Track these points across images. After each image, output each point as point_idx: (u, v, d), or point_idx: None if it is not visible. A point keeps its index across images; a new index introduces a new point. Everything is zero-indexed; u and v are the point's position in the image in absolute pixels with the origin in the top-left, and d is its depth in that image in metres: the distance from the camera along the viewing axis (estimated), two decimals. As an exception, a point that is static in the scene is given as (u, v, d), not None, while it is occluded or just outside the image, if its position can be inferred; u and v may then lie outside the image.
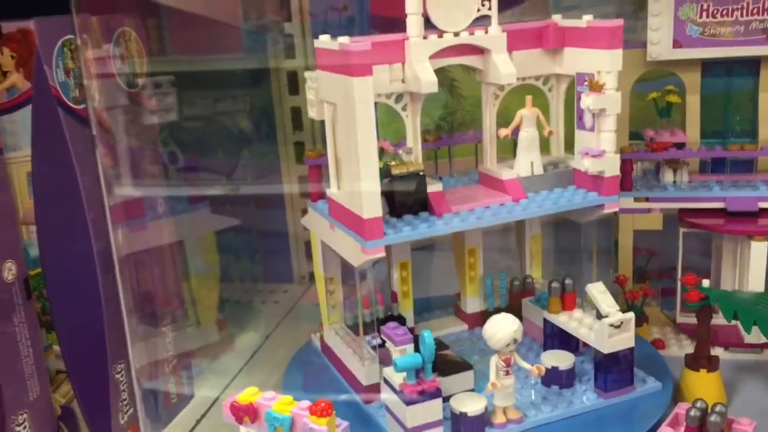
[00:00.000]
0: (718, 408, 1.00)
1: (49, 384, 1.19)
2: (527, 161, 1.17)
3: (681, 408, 1.05)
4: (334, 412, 0.91)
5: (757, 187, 1.37)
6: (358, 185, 1.01)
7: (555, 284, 1.20)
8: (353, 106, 0.98)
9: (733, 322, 1.31)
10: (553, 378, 1.15)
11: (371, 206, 1.03)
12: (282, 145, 1.90)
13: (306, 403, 0.93)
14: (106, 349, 1.21)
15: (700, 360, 1.20)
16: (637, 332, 1.36)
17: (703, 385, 1.18)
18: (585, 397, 1.14)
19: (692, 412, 1.01)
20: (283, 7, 1.82)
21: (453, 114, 1.89)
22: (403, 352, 1.02)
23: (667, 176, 1.44)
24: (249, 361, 1.55)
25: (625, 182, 1.42)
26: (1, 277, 1.09)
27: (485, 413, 1.07)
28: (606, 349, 1.10)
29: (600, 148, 1.13)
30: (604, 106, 1.10)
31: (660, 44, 1.41)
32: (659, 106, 1.49)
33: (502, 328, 1.03)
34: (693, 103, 1.45)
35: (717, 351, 1.37)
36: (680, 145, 1.44)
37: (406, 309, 1.31)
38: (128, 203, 1.23)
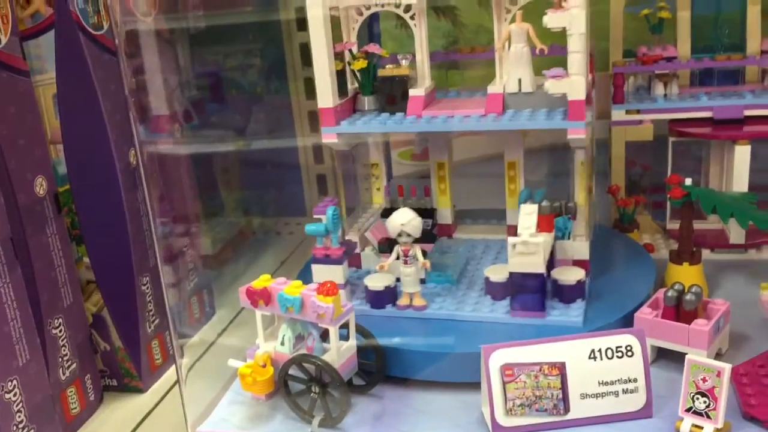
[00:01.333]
0: (693, 288, 1.09)
1: (81, 293, 1.29)
2: (515, 77, 1.19)
3: (660, 292, 1.13)
4: (340, 291, 1.01)
5: (743, 96, 1.42)
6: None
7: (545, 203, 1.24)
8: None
9: (720, 226, 1.39)
10: (489, 289, 1.21)
11: (324, 97, 1.18)
12: (292, 81, 1.97)
13: (314, 285, 1.03)
14: (132, 262, 1.30)
15: (683, 254, 1.28)
16: (629, 236, 1.46)
17: (686, 277, 1.26)
18: (492, 308, 1.18)
19: (669, 293, 1.10)
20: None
21: (455, 43, 1.95)
22: (318, 221, 1.21)
23: (658, 89, 1.50)
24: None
25: (617, 95, 1.49)
26: (33, 191, 1.17)
27: (388, 291, 1.20)
28: (510, 267, 1.13)
29: (563, 71, 1.12)
30: (564, 24, 1.07)
31: (651, -39, 1.45)
32: (651, 22, 1.54)
33: (393, 219, 1.15)
34: (684, 18, 1.50)
35: (704, 252, 1.44)
36: (670, 59, 1.50)
37: (443, 206, 1.40)
38: (153, 119, 1.32)
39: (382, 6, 1.22)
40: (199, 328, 1.50)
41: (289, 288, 1.03)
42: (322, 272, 1.23)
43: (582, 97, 1.12)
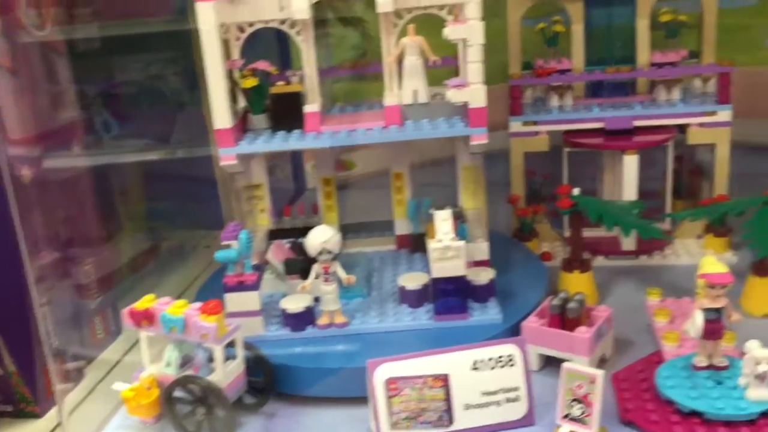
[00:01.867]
0: (577, 296, 1.12)
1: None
2: (410, 89, 1.23)
3: (548, 300, 1.16)
4: (223, 310, 1.00)
5: (632, 108, 1.48)
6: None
7: (431, 211, 1.25)
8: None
9: (615, 233, 1.43)
10: (404, 297, 1.22)
11: (220, 118, 1.17)
12: (204, 92, 1.94)
13: (198, 305, 1.02)
14: (26, 284, 1.26)
15: (574, 263, 1.32)
16: (526, 246, 1.50)
17: (577, 285, 1.30)
18: (413, 317, 1.19)
19: (554, 301, 1.13)
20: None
21: (363, 55, 1.96)
22: (227, 247, 1.18)
23: (553, 101, 1.54)
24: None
25: (514, 107, 1.52)
26: None
27: (308, 311, 1.18)
28: (432, 273, 1.14)
29: (464, 80, 1.18)
30: (464, 36, 1.14)
31: (543, -24, 1.50)
32: (546, 36, 1.58)
33: (312, 237, 1.14)
34: (577, 32, 1.55)
35: (598, 259, 1.49)
36: (564, 72, 1.54)
37: (330, 222, 1.40)
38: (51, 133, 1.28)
39: (267, 23, 1.22)
40: (103, 348, 1.47)
41: (172, 308, 1.02)
42: (236, 301, 1.17)
43: (483, 104, 1.18)
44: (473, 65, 1.16)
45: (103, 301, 1.46)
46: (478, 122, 1.18)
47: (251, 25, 1.24)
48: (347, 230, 1.49)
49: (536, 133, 1.53)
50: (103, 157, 1.74)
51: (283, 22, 1.23)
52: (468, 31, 1.14)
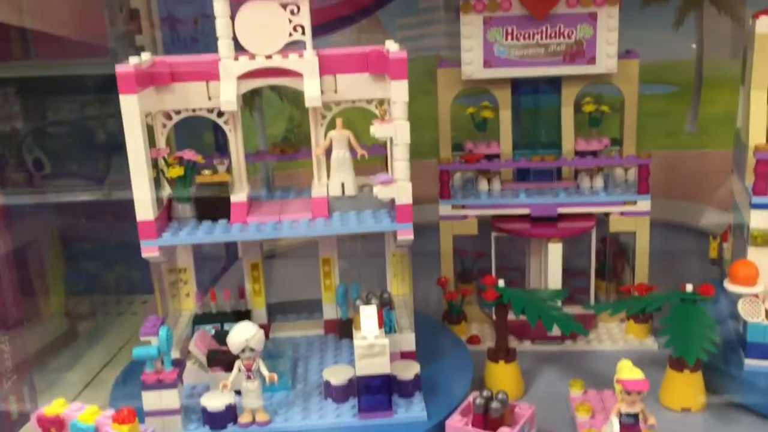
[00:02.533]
0: (500, 396, 1.13)
1: None
2: (338, 182, 1.24)
3: (472, 397, 1.17)
4: (137, 419, 0.97)
5: (557, 195, 1.51)
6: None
7: (358, 302, 1.26)
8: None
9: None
10: (330, 392, 1.20)
11: (143, 209, 1.15)
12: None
13: (110, 412, 0.98)
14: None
15: (499, 353, 1.33)
16: (454, 330, 1.50)
17: (503, 376, 1.31)
18: (338, 413, 1.17)
19: (477, 401, 1.13)
20: (133, 19, 1.83)
21: (299, 126, 1.97)
22: (147, 342, 1.15)
23: (482, 185, 1.56)
24: (97, 375, 1.56)
25: (443, 191, 1.55)
26: None
27: (229, 409, 1.15)
28: (357, 371, 1.14)
29: (390, 176, 1.19)
30: (390, 135, 1.16)
31: (472, 64, 1.53)
32: (476, 120, 1.62)
33: (235, 335, 1.12)
34: (505, 117, 1.58)
35: (525, 344, 1.51)
36: (492, 157, 1.57)
37: (258, 307, 1.38)
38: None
39: (194, 111, 1.21)
40: (16, 430, 1.40)
41: (84, 415, 0.98)
42: (154, 399, 1.13)
43: (409, 201, 1.19)
44: (399, 163, 1.18)
45: (18, 378, 1.39)
46: (404, 218, 1.20)
47: (178, 113, 1.23)
48: (274, 311, 1.47)
49: (465, 217, 1.55)
50: (35, 196, 1.70)
51: (211, 110, 1.23)
52: (394, 131, 1.16)
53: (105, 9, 1.75)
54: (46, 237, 1.70)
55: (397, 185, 1.18)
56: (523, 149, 1.61)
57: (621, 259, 1.69)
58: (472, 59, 1.53)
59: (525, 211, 1.51)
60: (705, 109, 1.88)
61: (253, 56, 1.20)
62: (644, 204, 1.50)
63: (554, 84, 1.58)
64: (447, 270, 1.58)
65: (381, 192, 1.19)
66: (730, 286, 1.26)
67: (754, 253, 1.28)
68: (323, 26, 1.84)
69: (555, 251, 1.45)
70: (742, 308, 1.24)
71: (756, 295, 1.25)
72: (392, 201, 1.21)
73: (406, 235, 1.21)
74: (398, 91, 1.15)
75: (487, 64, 1.53)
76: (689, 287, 1.27)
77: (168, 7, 1.80)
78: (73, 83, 1.70)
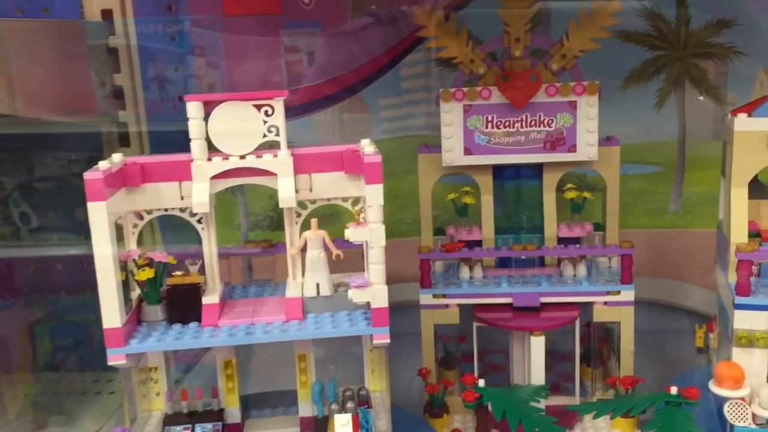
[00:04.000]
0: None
1: None
2: (313, 282, 1.21)
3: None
4: None
5: (540, 284, 1.49)
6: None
7: (334, 406, 1.23)
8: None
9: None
10: None
11: (109, 317, 1.12)
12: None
13: None
14: None
15: (481, 453, 1.29)
16: (435, 424, 1.46)
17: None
18: None
19: None
20: (117, 97, 1.82)
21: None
22: None
23: (463, 272, 1.54)
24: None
25: (424, 280, 1.52)
26: None
27: None
28: None
29: (367, 280, 1.18)
30: (365, 239, 1.15)
31: (453, 151, 1.52)
32: (457, 206, 1.60)
33: None
34: (487, 203, 1.57)
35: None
36: (474, 244, 1.55)
37: (231, 405, 1.33)
38: None
39: (166, 210, 1.19)
40: None
41: None
42: None
43: (385, 305, 1.17)
44: (375, 267, 1.16)
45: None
46: (380, 322, 1.18)
47: (150, 212, 1.21)
48: (249, 405, 1.42)
49: (446, 306, 1.52)
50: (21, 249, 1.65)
51: (183, 210, 1.21)
52: (369, 235, 1.15)
53: (96, 89, 1.76)
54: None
55: (373, 289, 1.17)
56: (505, 233, 1.59)
57: (607, 344, 1.66)
58: (453, 146, 1.52)
59: (507, 300, 1.49)
60: (689, 188, 1.87)
61: (226, 157, 1.18)
62: (628, 294, 1.47)
63: (536, 169, 1.57)
64: (428, 360, 1.55)
65: (356, 296, 1.17)
66: (715, 389, 1.23)
67: (739, 354, 1.25)
68: (306, 106, 1.84)
69: (537, 345, 1.42)
70: (729, 412, 1.21)
71: (743, 398, 1.22)
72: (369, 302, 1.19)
73: (382, 339, 1.19)
74: (373, 195, 1.14)
75: (468, 151, 1.52)
76: (674, 390, 1.24)
77: (157, 68, 1.79)
78: (61, 140, 1.69)
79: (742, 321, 1.24)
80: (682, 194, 1.88)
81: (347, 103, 1.87)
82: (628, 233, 1.60)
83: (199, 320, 1.19)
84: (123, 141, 1.81)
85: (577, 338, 1.51)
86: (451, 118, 1.51)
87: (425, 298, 1.52)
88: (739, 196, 1.28)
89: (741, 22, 1.74)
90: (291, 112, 1.83)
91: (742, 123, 1.27)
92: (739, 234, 1.28)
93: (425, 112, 1.85)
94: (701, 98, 1.81)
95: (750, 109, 1.31)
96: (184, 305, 1.19)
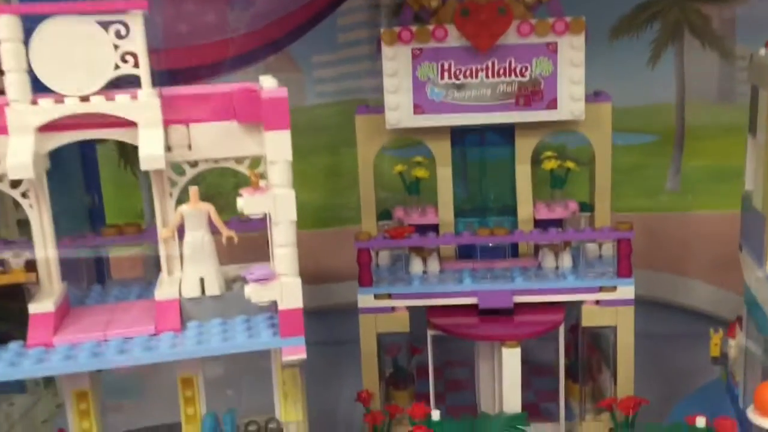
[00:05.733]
0: None
1: None
2: (195, 277, 0.88)
3: None
4: None
5: (512, 279, 1.16)
6: None
7: None
8: None
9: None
10: None
11: None
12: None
13: None
14: None
15: None
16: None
17: None
18: None
19: None
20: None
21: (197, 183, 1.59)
22: None
23: (415, 266, 1.21)
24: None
25: (363, 277, 1.18)
26: None
27: None
28: None
29: (270, 270, 0.85)
30: (266, 210, 0.82)
31: (399, 109, 1.19)
32: (406, 181, 1.26)
33: None
34: (444, 177, 1.24)
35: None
36: (428, 228, 1.22)
37: None
38: None
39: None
40: None
41: None
42: None
43: (298, 305, 0.86)
44: (282, 251, 0.83)
45: None
46: (291, 330, 0.85)
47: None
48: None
49: (392, 309, 1.18)
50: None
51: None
52: (272, 204, 0.81)
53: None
54: None
55: (280, 283, 0.84)
56: (468, 216, 1.27)
57: (597, 354, 1.33)
58: (399, 103, 1.19)
59: (471, 300, 1.16)
60: (689, 162, 1.57)
61: (60, 98, 0.82)
62: (626, 290, 1.16)
63: (506, 134, 1.25)
64: (370, 380, 1.21)
65: (256, 294, 0.84)
66: (759, 420, 0.90)
67: (786, 369, 0.93)
68: (219, 65, 1.49)
69: (511, 359, 1.09)
70: (776, 450, 0.88)
71: (793, 431, 0.89)
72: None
73: (295, 354, 0.86)
74: (277, 147, 0.82)
75: (419, 109, 1.20)
76: (701, 421, 0.91)
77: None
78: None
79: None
80: (681, 169, 1.58)
81: (272, 61, 1.52)
82: (617, 217, 1.29)
83: (24, 338, 0.82)
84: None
85: (561, 347, 1.19)
86: (396, 67, 1.18)
87: (365, 299, 1.19)
88: (779, 156, 0.96)
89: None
90: (201, 72, 1.52)
91: (782, 55, 0.95)
92: (781, 207, 0.96)
93: (369, 71, 1.50)
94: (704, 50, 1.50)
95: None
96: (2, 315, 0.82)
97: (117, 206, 1.49)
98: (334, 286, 1.59)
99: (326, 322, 1.50)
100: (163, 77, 1.42)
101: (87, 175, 1.22)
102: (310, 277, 1.56)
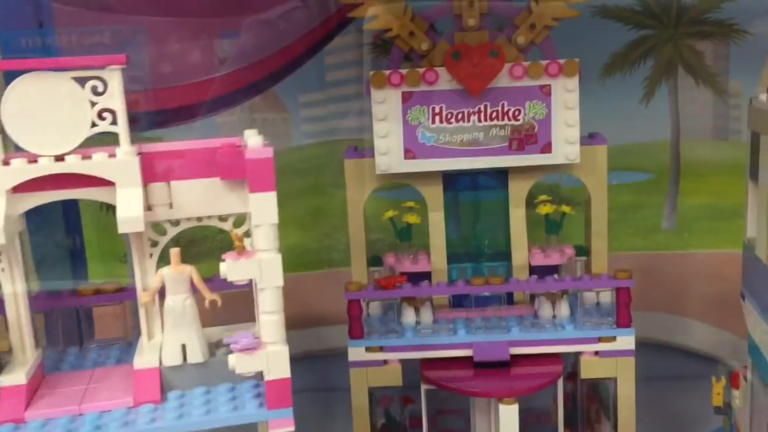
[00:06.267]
0: None
1: None
2: (176, 343, 0.83)
3: None
4: None
5: (508, 329, 1.12)
6: None
7: None
8: None
9: None
10: None
11: None
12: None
13: None
14: None
15: None
16: None
17: None
18: None
19: None
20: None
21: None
22: None
23: (407, 316, 1.17)
24: None
25: (353, 329, 1.13)
26: None
27: None
28: None
29: (255, 339, 0.80)
30: (252, 276, 0.78)
31: (389, 154, 1.16)
32: (397, 227, 1.22)
33: None
34: (436, 222, 1.20)
35: None
36: (420, 277, 1.18)
37: None
38: None
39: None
40: None
41: None
42: None
43: (285, 374, 0.81)
44: (268, 318, 0.78)
45: None
46: (278, 402, 0.80)
47: None
48: None
49: (385, 362, 1.13)
50: None
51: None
52: (257, 270, 0.77)
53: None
54: None
55: (266, 353, 0.79)
56: (461, 261, 1.24)
57: (596, 403, 1.29)
58: (389, 148, 1.16)
59: (466, 352, 1.11)
60: (685, 200, 1.54)
61: (35, 158, 0.78)
62: (626, 340, 1.12)
63: (499, 176, 1.22)
64: (362, 436, 1.15)
65: (240, 364, 0.79)
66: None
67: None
68: (204, 105, 1.44)
69: (509, 416, 1.04)
70: None
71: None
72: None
73: (283, 427, 0.82)
74: (262, 209, 0.77)
75: (409, 154, 1.16)
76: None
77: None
78: None
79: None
80: (677, 208, 1.54)
81: (258, 102, 1.48)
82: (612, 257, 1.25)
83: (-10, 406, 0.77)
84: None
85: (560, 398, 1.15)
86: (386, 111, 1.14)
87: (356, 352, 1.14)
88: (783, 203, 0.92)
89: (743, -7, 1.44)
90: (184, 113, 1.47)
91: (783, 101, 0.92)
92: (786, 256, 0.93)
93: (357, 111, 1.47)
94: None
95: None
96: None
97: (99, 249, 1.44)
98: (324, 329, 1.54)
99: (315, 367, 1.45)
100: (146, 118, 1.39)
101: (67, 218, 1.18)
102: (299, 321, 1.52)
